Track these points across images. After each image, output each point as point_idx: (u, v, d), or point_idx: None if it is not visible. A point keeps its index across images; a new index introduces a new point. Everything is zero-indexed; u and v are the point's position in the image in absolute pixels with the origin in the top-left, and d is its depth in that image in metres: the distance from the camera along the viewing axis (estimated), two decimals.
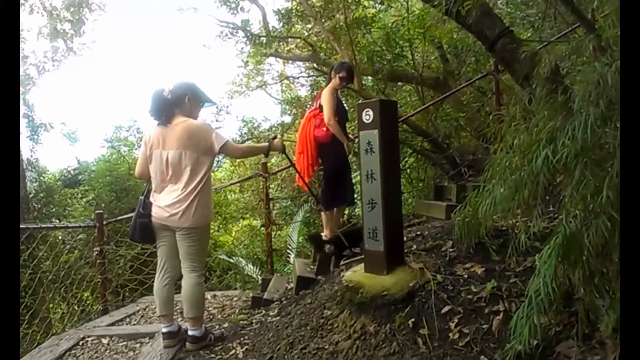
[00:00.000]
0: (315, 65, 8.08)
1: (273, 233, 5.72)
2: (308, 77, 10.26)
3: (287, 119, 10.79)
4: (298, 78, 10.83)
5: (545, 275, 1.90)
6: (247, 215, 11.62)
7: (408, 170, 7.53)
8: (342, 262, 3.49)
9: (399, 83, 7.69)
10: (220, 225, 10.28)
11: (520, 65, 4.16)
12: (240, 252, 9.17)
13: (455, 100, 6.59)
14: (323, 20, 7.07)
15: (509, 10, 6.29)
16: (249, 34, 7.48)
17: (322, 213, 4.12)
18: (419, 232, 3.22)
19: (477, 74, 6.68)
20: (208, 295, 4.99)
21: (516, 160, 2.48)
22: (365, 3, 8.09)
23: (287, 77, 11.07)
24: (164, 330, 3.12)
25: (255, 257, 9.34)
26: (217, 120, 10.79)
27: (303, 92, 11.01)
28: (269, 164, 6.43)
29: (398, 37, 6.57)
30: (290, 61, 10.66)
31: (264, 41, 7.51)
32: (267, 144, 3.29)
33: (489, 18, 4.21)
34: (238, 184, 10.37)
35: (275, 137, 3.37)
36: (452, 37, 6.96)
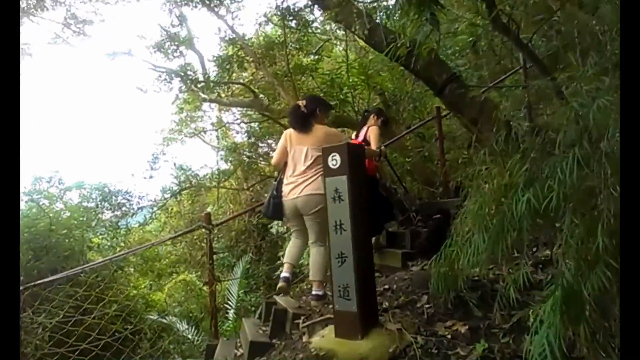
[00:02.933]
0: (255, 111, 7.89)
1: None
2: (245, 123, 10.14)
3: (224, 165, 10.46)
4: (238, 123, 10.67)
5: (548, 333, 1.72)
6: (181, 269, 10.82)
7: None
8: (302, 325, 3.12)
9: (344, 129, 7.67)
10: (152, 282, 9.41)
11: (468, 109, 4.21)
12: (173, 311, 8.39)
13: (400, 145, 6.62)
14: (266, 65, 6.96)
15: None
16: (188, 80, 7.16)
17: None
18: (387, 286, 2.97)
19: (416, 121, 6.79)
20: None
21: (492, 206, 2.35)
22: (304, 52, 8.14)
23: (225, 124, 10.80)
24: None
25: (191, 315, 8.59)
26: (152, 169, 10.11)
27: (239, 138, 10.91)
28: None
29: (342, 84, 6.57)
30: (225, 108, 10.43)
31: (204, 86, 7.22)
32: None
33: (437, 64, 4.25)
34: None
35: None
36: (389, 86, 7.10)
